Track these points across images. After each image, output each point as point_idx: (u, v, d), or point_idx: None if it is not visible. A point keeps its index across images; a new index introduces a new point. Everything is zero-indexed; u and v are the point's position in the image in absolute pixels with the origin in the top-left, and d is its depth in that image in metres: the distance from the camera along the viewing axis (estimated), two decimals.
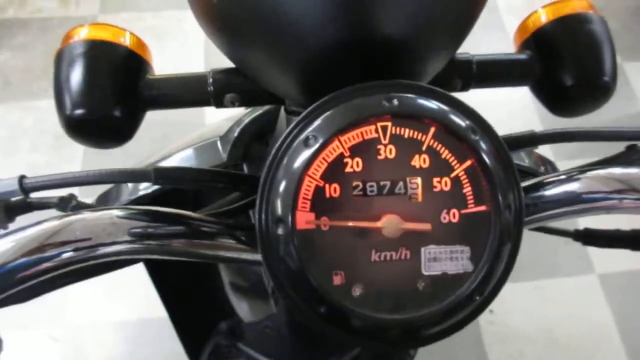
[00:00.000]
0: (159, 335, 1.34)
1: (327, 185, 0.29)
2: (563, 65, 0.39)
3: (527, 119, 1.53)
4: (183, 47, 1.85)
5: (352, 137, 0.29)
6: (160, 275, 0.82)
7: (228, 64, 0.39)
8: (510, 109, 1.48)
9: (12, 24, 1.94)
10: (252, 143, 0.54)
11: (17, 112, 1.74)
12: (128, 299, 1.40)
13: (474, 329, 1.41)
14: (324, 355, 0.73)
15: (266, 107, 0.55)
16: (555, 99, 0.41)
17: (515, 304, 1.44)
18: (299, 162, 0.29)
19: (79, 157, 1.62)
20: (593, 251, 1.51)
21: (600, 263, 1.50)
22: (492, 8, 1.94)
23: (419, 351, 0.90)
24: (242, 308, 0.77)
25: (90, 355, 1.35)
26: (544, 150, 0.53)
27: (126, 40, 0.39)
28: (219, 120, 0.62)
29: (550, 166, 0.62)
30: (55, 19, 1.96)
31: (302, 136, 0.29)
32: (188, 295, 0.89)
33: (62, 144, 1.65)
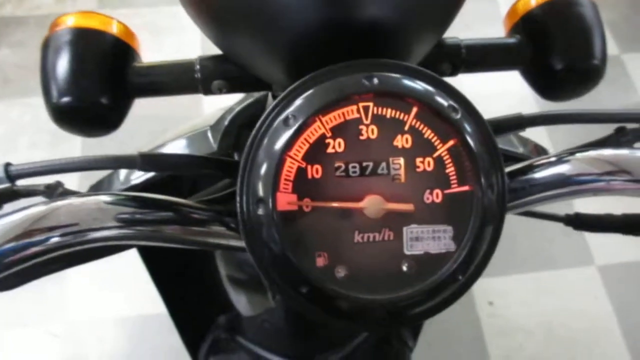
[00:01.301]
0: (159, 330, 1.35)
1: (309, 166, 0.29)
2: (553, 48, 0.39)
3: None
4: (180, 42, 1.85)
5: (334, 118, 0.29)
6: (158, 269, 0.82)
7: (218, 51, 0.39)
8: (510, 103, 1.48)
9: (10, 21, 1.94)
10: (243, 131, 0.54)
11: (15, 109, 1.74)
12: (127, 295, 1.40)
13: (474, 321, 1.41)
14: (322, 347, 0.74)
15: (257, 96, 0.55)
16: (545, 82, 0.41)
17: (515, 297, 1.45)
18: (279, 142, 0.29)
19: (77, 153, 1.63)
20: (593, 243, 1.51)
21: (600, 255, 1.50)
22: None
23: (418, 343, 0.90)
24: (241, 302, 0.77)
25: (90, 352, 1.35)
26: (541, 139, 0.53)
27: (113, 28, 0.39)
28: (213, 110, 0.62)
29: (544, 154, 0.62)
30: (53, 15, 1.95)
31: (282, 116, 0.29)
32: (186, 290, 0.89)
33: (61, 140, 1.65)
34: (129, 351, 1.37)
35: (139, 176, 0.54)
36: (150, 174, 0.53)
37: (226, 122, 0.54)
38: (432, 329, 1.31)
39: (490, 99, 1.40)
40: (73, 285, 1.41)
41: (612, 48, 1.91)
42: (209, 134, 0.54)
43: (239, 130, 0.54)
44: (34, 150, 1.66)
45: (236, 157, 0.53)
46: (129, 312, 1.39)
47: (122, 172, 0.57)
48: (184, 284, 0.88)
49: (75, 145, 1.64)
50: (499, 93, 1.46)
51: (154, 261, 0.81)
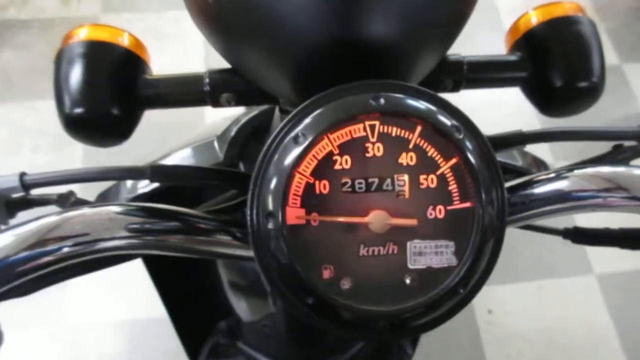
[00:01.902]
0: (159, 335, 1.35)
1: (316, 182, 0.30)
2: (553, 66, 0.40)
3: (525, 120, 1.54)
4: (183, 47, 1.85)
5: (341, 135, 0.30)
6: (160, 274, 0.83)
7: (226, 64, 0.40)
8: (508, 111, 1.49)
9: (14, 24, 1.94)
10: (249, 142, 0.55)
11: (18, 112, 1.74)
12: (128, 299, 1.41)
13: (473, 329, 1.41)
14: (322, 353, 0.74)
15: (262, 107, 0.56)
16: (545, 99, 0.42)
17: (514, 305, 1.45)
18: (289, 159, 0.30)
19: (79, 157, 1.63)
20: (591, 252, 1.52)
21: (598, 264, 1.51)
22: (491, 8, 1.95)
23: (417, 350, 0.90)
24: (241, 307, 0.77)
25: (90, 355, 1.36)
26: (542, 151, 0.54)
27: (124, 41, 0.40)
28: (218, 120, 0.63)
29: (544, 167, 0.63)
30: (56, 19, 1.96)
31: (292, 134, 0.30)
32: (188, 295, 0.90)
33: (63, 143, 1.66)
34: (129, 355, 1.37)
35: (145, 185, 0.54)
36: (152, 186, 0.54)
37: (232, 133, 0.54)
38: (430, 337, 1.31)
39: (490, 107, 1.41)
40: (73, 289, 1.41)
41: (612, 58, 1.91)
42: (216, 144, 0.55)
43: (244, 141, 0.55)
44: (36, 153, 1.66)
45: (241, 167, 0.54)
46: (129, 316, 1.39)
47: (129, 181, 0.58)
48: (185, 289, 0.89)
49: (77, 150, 1.64)
50: (498, 102, 1.48)
51: (156, 266, 0.81)
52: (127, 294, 1.40)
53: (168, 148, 0.60)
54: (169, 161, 0.57)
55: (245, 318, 0.78)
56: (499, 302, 1.45)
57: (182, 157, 0.56)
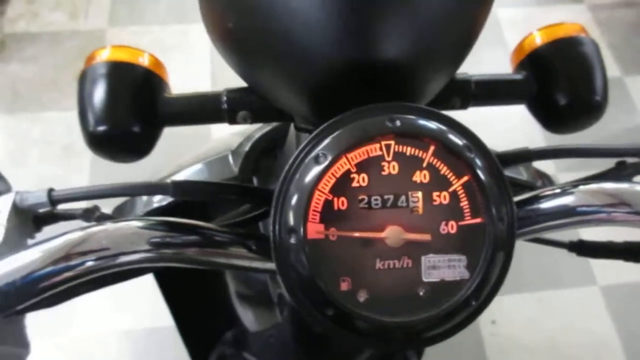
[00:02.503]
0: (163, 344, 1.36)
1: (335, 199, 0.32)
2: (557, 85, 0.41)
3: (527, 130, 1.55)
4: (189, 59, 1.87)
5: (359, 155, 0.31)
6: (169, 285, 0.84)
7: (235, 79, 0.41)
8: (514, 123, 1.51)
9: (23, 37, 1.96)
10: (262, 157, 0.56)
11: (26, 123, 1.76)
12: (134, 310, 1.41)
13: (477, 339, 1.41)
14: None
15: (275, 124, 0.57)
16: (550, 117, 0.43)
17: (518, 315, 1.45)
18: (309, 177, 0.31)
19: (86, 168, 1.64)
20: (595, 264, 1.51)
21: (602, 275, 1.51)
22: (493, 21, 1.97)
23: None
24: (248, 318, 0.78)
25: None
26: (547, 164, 0.55)
27: (145, 61, 0.41)
28: (227, 135, 0.64)
29: (547, 180, 0.64)
30: (64, 32, 1.98)
31: (313, 154, 0.31)
32: (195, 306, 0.90)
33: (70, 155, 1.67)
34: None
35: (160, 199, 0.56)
36: (170, 199, 0.56)
37: (247, 148, 0.56)
38: (435, 347, 1.31)
39: (497, 120, 1.42)
40: (80, 300, 1.42)
41: (614, 70, 1.92)
42: (230, 159, 0.57)
43: (258, 156, 0.56)
44: (43, 164, 1.67)
45: (255, 181, 0.56)
46: (134, 326, 1.40)
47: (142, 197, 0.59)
48: (192, 300, 0.89)
49: (84, 161, 1.65)
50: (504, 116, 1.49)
51: (165, 278, 0.82)
52: (134, 305, 1.41)
53: (180, 163, 0.62)
54: (184, 176, 0.59)
55: (252, 328, 0.79)
56: (503, 313, 1.45)
57: (196, 172, 0.58)
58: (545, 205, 0.39)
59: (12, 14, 2.02)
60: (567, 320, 1.45)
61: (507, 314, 1.45)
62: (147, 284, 0.80)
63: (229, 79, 0.41)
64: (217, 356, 0.89)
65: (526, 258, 1.51)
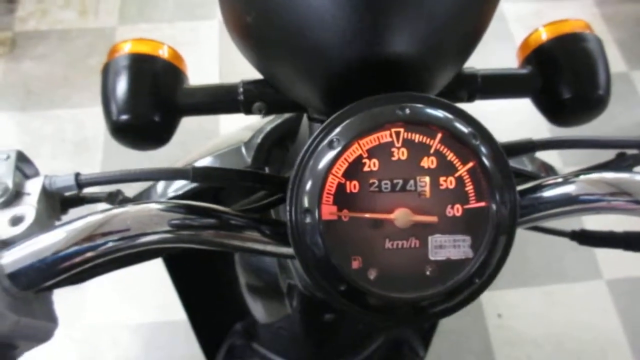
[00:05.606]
0: (174, 338, 1.38)
1: (347, 182, 0.33)
2: (561, 79, 0.43)
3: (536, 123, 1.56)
4: (199, 56, 1.89)
5: (370, 141, 0.33)
6: (180, 277, 0.86)
7: (243, 74, 0.43)
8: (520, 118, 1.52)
9: (33, 35, 1.98)
10: (273, 148, 0.58)
11: (38, 121, 1.78)
12: (144, 303, 1.44)
13: (483, 333, 1.43)
14: (336, 355, 0.76)
15: (286, 116, 0.59)
16: (554, 110, 0.44)
17: (524, 309, 1.46)
18: (324, 161, 0.33)
19: (98, 163, 1.67)
20: (601, 257, 1.53)
21: (608, 269, 1.52)
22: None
23: (428, 353, 0.92)
24: (258, 309, 0.80)
25: (107, 356, 1.38)
26: (554, 158, 0.57)
27: (164, 53, 0.43)
28: (237, 128, 0.66)
29: (552, 172, 0.65)
30: (74, 30, 2.00)
31: (327, 140, 0.33)
32: (206, 297, 0.92)
33: (82, 150, 1.69)
34: (144, 357, 1.39)
35: (177, 187, 0.58)
36: (187, 187, 0.58)
37: (259, 140, 0.58)
38: (441, 340, 1.33)
39: (501, 114, 1.43)
40: (91, 292, 1.44)
41: (620, 65, 1.92)
42: (243, 150, 0.59)
43: (270, 147, 0.58)
44: (55, 160, 1.69)
45: (267, 171, 0.57)
46: (145, 319, 1.42)
47: (161, 184, 0.61)
48: (204, 292, 0.91)
49: (95, 158, 1.67)
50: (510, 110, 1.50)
51: (176, 269, 0.84)
52: (144, 298, 1.43)
53: (193, 155, 0.64)
54: (201, 163, 0.60)
55: (261, 320, 0.80)
56: (508, 307, 1.46)
57: (211, 162, 0.60)
58: (548, 193, 0.40)
59: (23, 12, 2.04)
60: (573, 314, 1.47)
61: (513, 307, 1.46)
62: (161, 277, 0.82)
63: (237, 75, 0.43)
64: (227, 347, 0.91)
65: (532, 252, 1.53)
